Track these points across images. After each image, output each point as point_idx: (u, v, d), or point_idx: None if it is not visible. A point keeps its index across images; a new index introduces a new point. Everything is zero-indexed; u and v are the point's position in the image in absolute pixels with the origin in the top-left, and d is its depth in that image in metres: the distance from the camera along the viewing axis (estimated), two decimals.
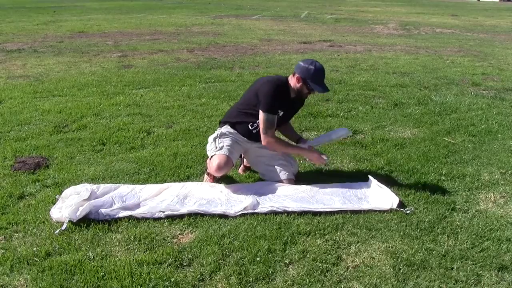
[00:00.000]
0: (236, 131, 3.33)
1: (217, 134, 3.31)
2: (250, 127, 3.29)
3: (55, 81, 6.61)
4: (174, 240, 2.62)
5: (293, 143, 3.48)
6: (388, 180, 3.42)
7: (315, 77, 3.13)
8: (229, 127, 3.33)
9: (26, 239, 2.60)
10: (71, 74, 7.16)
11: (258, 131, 3.25)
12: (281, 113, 3.25)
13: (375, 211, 2.95)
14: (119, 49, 9.74)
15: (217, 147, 3.22)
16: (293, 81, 3.23)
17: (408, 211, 2.95)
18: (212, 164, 3.15)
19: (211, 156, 3.21)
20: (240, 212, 2.90)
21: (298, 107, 3.51)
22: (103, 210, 2.83)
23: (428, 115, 5.18)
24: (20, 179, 3.36)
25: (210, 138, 3.35)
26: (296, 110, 3.51)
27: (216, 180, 3.38)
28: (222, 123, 3.40)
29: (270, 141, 3.20)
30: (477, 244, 2.62)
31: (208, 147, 3.33)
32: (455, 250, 2.56)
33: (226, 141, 3.25)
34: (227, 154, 3.17)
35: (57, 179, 3.38)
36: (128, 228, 2.72)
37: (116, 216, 2.82)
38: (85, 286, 2.21)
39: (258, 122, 3.24)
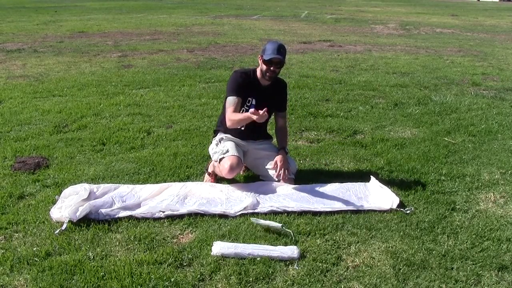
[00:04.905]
0: (230, 135, 3.36)
1: (218, 140, 3.33)
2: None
3: (55, 81, 6.61)
4: (174, 240, 2.62)
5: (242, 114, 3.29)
6: (388, 180, 3.43)
7: (268, 49, 3.18)
8: (222, 133, 3.38)
9: (26, 239, 2.60)
10: (71, 74, 7.16)
11: (248, 128, 3.30)
12: (253, 101, 3.29)
13: (375, 211, 2.95)
14: (119, 49, 9.74)
15: (223, 150, 3.22)
16: (259, 68, 3.29)
17: (408, 211, 2.95)
18: (224, 166, 3.13)
19: (220, 160, 3.20)
20: (240, 212, 2.90)
21: (278, 96, 3.41)
22: (103, 210, 2.83)
23: (428, 115, 5.18)
24: (20, 179, 3.36)
25: (211, 148, 3.40)
26: (277, 100, 3.42)
27: (216, 180, 3.38)
28: (215, 132, 3.46)
29: (227, 119, 3.24)
30: (477, 244, 2.62)
31: (212, 152, 3.36)
32: (455, 250, 2.56)
33: (229, 144, 3.27)
34: (237, 154, 3.19)
35: (57, 179, 3.37)
36: (128, 228, 2.72)
37: (116, 216, 2.82)
38: (85, 286, 2.21)
39: None
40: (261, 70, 3.25)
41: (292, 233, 2.64)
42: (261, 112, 2.97)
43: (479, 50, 10.44)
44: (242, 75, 3.31)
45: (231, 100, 3.24)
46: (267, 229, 2.71)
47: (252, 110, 3.09)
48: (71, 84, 6.42)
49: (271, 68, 3.19)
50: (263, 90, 3.31)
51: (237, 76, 3.30)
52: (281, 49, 3.18)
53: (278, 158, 3.29)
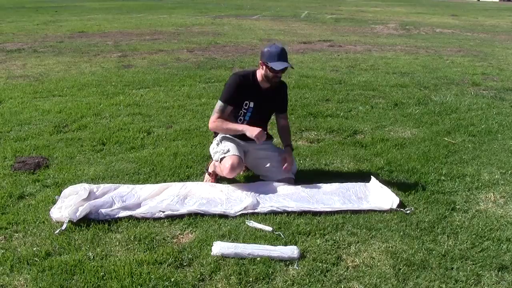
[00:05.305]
0: (230, 135, 3.35)
1: (218, 140, 3.32)
2: None
3: (55, 81, 6.61)
4: (174, 240, 2.62)
5: (231, 122, 3.29)
6: (388, 180, 3.43)
7: (272, 56, 3.12)
8: (223, 134, 3.36)
9: (26, 239, 2.60)
10: (71, 74, 7.16)
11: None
12: (250, 104, 3.28)
13: (375, 211, 2.95)
14: (119, 49, 9.74)
15: (224, 150, 3.22)
16: (259, 71, 3.26)
17: (408, 211, 2.95)
18: (225, 166, 3.13)
19: (221, 159, 3.20)
20: (240, 212, 2.90)
21: (278, 98, 3.42)
22: (103, 210, 2.83)
23: (428, 115, 5.18)
24: (20, 179, 3.36)
25: (212, 147, 3.39)
26: (276, 101, 3.43)
27: (217, 179, 3.38)
28: (215, 132, 3.43)
29: (211, 122, 3.26)
30: (477, 244, 2.62)
31: (213, 152, 3.35)
32: (455, 250, 2.56)
33: (230, 144, 3.26)
34: (238, 154, 3.18)
35: (57, 179, 3.37)
36: (128, 228, 2.72)
37: (116, 216, 2.82)
38: (85, 286, 2.21)
39: (242, 118, 3.32)
40: (265, 76, 3.21)
41: (282, 235, 2.65)
42: (260, 137, 3.11)
43: (479, 50, 10.44)
44: (240, 78, 3.27)
45: (221, 107, 3.23)
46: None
47: (255, 133, 3.11)
48: (71, 84, 6.42)
49: (278, 75, 3.19)
50: (262, 93, 3.30)
51: (235, 79, 3.26)
52: (285, 55, 3.16)
53: (287, 155, 3.34)
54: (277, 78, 3.22)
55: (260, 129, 3.15)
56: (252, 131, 3.14)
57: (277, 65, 3.11)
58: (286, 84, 3.52)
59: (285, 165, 3.29)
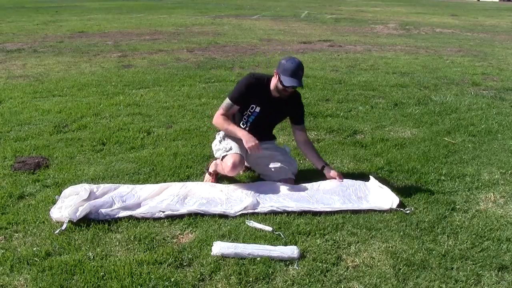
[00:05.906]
0: None
1: (221, 137, 3.32)
2: (241, 126, 3.32)
3: (55, 81, 6.61)
4: (174, 240, 2.62)
5: (234, 125, 3.27)
6: (388, 180, 3.43)
7: (286, 70, 3.08)
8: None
9: (26, 239, 2.60)
10: (71, 74, 7.16)
11: (252, 130, 3.27)
12: (256, 108, 3.27)
13: (375, 211, 2.95)
14: (119, 49, 9.74)
15: (226, 148, 3.22)
16: (274, 79, 3.23)
17: (408, 211, 2.95)
18: (227, 164, 3.13)
19: (223, 157, 3.20)
20: (240, 212, 2.90)
21: (289, 108, 3.38)
22: (103, 210, 2.83)
23: (428, 115, 5.18)
24: (20, 179, 3.36)
25: (214, 144, 3.39)
26: (286, 111, 3.41)
27: (217, 179, 3.38)
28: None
29: (216, 117, 3.27)
30: (477, 244, 2.62)
31: (215, 149, 3.35)
32: (455, 250, 2.56)
33: (232, 142, 3.26)
34: (239, 152, 3.18)
35: (57, 179, 3.37)
36: (128, 228, 2.72)
37: (116, 216, 2.82)
38: (85, 286, 2.21)
39: (246, 119, 3.31)
40: (276, 86, 3.19)
41: (282, 235, 2.65)
42: (253, 150, 3.09)
43: (479, 50, 10.44)
44: (254, 79, 3.25)
45: (228, 104, 3.24)
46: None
47: (250, 145, 3.09)
48: (71, 84, 6.42)
49: (287, 89, 3.17)
50: (271, 100, 3.27)
51: (249, 79, 3.25)
52: (300, 72, 3.11)
53: (331, 175, 3.30)
54: (286, 92, 3.19)
55: (257, 142, 3.12)
56: (247, 142, 3.11)
57: (287, 81, 3.08)
58: (299, 94, 3.42)
59: (338, 177, 3.28)
